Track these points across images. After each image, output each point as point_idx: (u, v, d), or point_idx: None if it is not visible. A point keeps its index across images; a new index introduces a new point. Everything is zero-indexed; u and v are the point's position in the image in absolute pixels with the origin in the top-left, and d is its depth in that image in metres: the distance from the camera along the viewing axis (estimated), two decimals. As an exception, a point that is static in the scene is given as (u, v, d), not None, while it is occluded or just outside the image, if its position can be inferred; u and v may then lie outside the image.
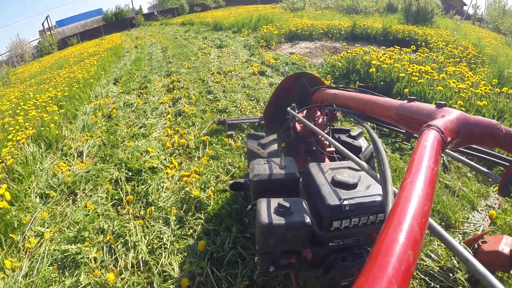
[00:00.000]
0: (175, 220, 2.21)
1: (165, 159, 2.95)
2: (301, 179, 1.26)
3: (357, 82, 4.18)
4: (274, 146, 1.82)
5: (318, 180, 1.09)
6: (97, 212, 2.40)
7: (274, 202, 1.04)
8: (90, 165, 3.08)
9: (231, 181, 2.47)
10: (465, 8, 27.47)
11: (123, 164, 2.85)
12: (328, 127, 1.62)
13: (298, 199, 1.08)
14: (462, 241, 1.86)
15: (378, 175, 0.69)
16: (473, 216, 2.24)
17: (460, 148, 0.70)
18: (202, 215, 2.23)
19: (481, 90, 3.74)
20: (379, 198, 1.00)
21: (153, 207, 2.36)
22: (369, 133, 0.89)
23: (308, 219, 0.98)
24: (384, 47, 5.41)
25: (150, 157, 2.89)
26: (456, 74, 4.43)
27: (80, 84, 5.86)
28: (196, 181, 2.50)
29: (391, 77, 3.95)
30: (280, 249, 1.06)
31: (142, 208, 2.40)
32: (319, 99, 1.52)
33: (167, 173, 2.72)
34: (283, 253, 1.10)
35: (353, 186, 1.05)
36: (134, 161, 2.84)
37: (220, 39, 9.98)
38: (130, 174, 2.73)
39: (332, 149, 1.67)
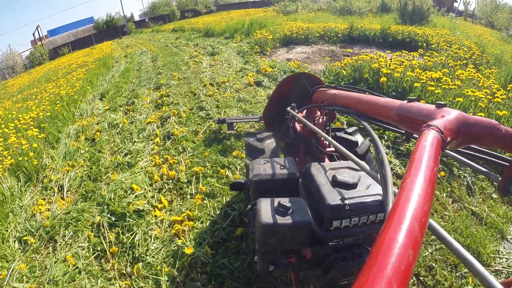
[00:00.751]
0: (167, 281, 1.81)
1: (153, 197, 2.54)
2: (300, 179, 1.25)
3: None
4: (271, 140, 1.81)
5: (318, 180, 1.09)
6: (78, 267, 2.03)
7: (274, 201, 1.04)
8: (70, 204, 2.71)
9: (230, 227, 2.08)
10: (455, 4, 27.49)
11: (105, 206, 2.44)
12: (328, 127, 1.62)
13: (298, 198, 1.08)
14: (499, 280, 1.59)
15: (378, 175, 0.69)
16: (504, 247, 1.99)
17: (460, 148, 0.70)
18: (199, 275, 1.82)
19: (498, 97, 3.38)
20: (379, 198, 0.99)
21: (141, 263, 1.96)
22: (369, 132, 0.88)
23: (308, 219, 0.98)
24: (390, 51, 5.05)
25: (136, 196, 2.48)
26: (469, 79, 4.08)
27: (64, 102, 5.43)
28: (189, 229, 2.09)
29: (403, 86, 3.58)
30: (280, 248, 1.07)
31: (129, 263, 2.01)
32: (319, 99, 1.50)
33: (155, 216, 2.31)
34: (283, 252, 1.11)
35: (353, 186, 1.05)
36: (117, 203, 2.43)
37: (212, 46, 9.59)
38: (113, 219, 2.33)
39: (332, 149, 1.65)
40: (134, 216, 2.30)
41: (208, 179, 2.60)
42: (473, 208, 2.28)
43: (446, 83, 3.50)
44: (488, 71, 5.22)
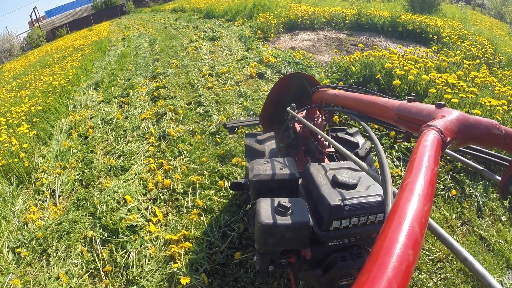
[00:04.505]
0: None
1: (147, 209, 2.38)
2: (300, 179, 1.25)
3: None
4: (271, 141, 1.81)
5: (318, 180, 1.08)
6: (71, 287, 1.93)
7: (274, 202, 1.03)
8: (62, 213, 2.58)
9: (228, 250, 1.92)
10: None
11: (97, 220, 2.30)
12: (328, 127, 1.61)
13: (297, 199, 1.07)
14: None
15: (378, 175, 0.69)
16: (508, 278, 1.92)
17: (460, 148, 0.70)
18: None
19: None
20: (378, 198, 0.99)
21: (135, 286, 1.83)
22: (369, 133, 0.88)
23: (307, 219, 0.97)
24: (401, 46, 4.73)
25: (129, 209, 2.31)
26: (484, 84, 3.82)
27: (57, 94, 5.18)
28: (185, 252, 1.93)
29: (417, 89, 3.33)
30: (280, 248, 1.06)
31: (123, 284, 1.89)
32: (318, 99, 1.48)
33: (150, 232, 2.15)
34: (282, 252, 1.10)
35: (352, 186, 1.05)
36: (109, 216, 2.27)
37: (212, 29, 9.17)
38: (106, 235, 2.19)
39: (332, 149, 1.65)
40: (127, 232, 2.15)
41: (205, 191, 2.43)
42: (481, 232, 2.20)
43: (462, 89, 3.25)
44: (501, 73, 4.95)
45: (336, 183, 1.06)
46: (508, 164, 0.68)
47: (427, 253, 2.01)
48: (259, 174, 1.21)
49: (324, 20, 8.60)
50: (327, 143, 1.66)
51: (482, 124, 0.61)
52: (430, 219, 0.42)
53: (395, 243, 0.31)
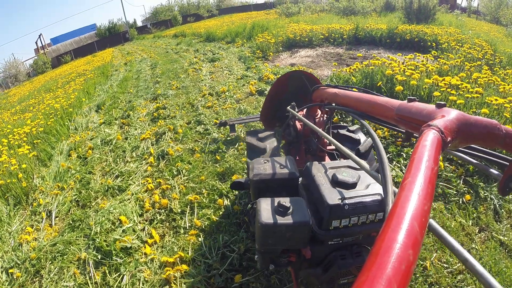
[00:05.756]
0: None
1: (143, 230, 2.26)
2: (300, 178, 1.25)
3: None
4: (272, 140, 1.81)
5: (318, 179, 1.08)
6: None
7: (274, 201, 1.03)
8: (57, 234, 2.49)
9: (227, 273, 1.78)
10: (458, 1, 27.00)
11: (91, 242, 2.19)
12: (328, 126, 1.60)
13: (298, 198, 1.07)
14: None
15: (379, 175, 0.69)
16: None
17: (460, 148, 0.71)
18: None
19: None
20: (378, 197, 0.99)
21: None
22: (369, 132, 0.88)
23: (308, 219, 0.97)
24: (401, 54, 4.71)
25: (123, 230, 2.20)
26: (487, 84, 3.74)
27: (58, 116, 5.22)
28: (182, 275, 1.80)
29: (420, 94, 3.25)
30: (280, 248, 1.05)
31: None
32: (319, 98, 1.48)
33: (145, 254, 2.02)
34: (282, 251, 1.10)
35: (352, 185, 1.04)
36: (103, 237, 2.17)
37: (212, 51, 9.34)
38: (99, 256, 2.07)
39: (332, 147, 1.63)
40: (121, 254, 2.03)
41: (204, 210, 2.31)
42: (501, 237, 2.05)
43: (466, 90, 3.16)
44: (503, 72, 4.88)
45: (336, 182, 1.05)
46: (508, 163, 0.68)
47: (445, 265, 1.86)
48: (259, 173, 1.21)
49: (323, 36, 8.71)
50: (327, 141, 1.65)
51: (482, 124, 0.61)
52: (430, 220, 0.41)
53: (395, 242, 0.31)
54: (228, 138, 3.39)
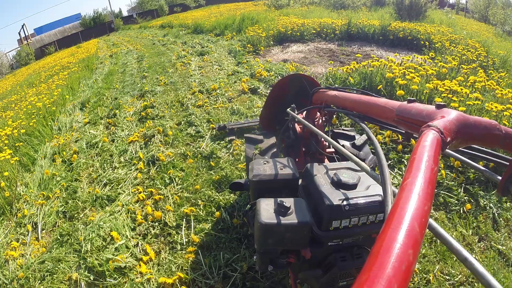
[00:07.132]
0: None
1: (136, 246, 2.11)
2: (300, 180, 1.24)
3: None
4: (271, 137, 1.80)
5: (318, 181, 1.08)
6: None
7: (274, 202, 1.02)
8: (45, 250, 2.31)
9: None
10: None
11: (82, 261, 2.04)
12: (328, 128, 1.63)
13: (297, 199, 1.06)
14: None
15: (378, 175, 0.69)
16: None
17: (460, 148, 0.70)
18: None
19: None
20: (378, 198, 0.99)
21: None
22: (368, 134, 0.89)
23: (307, 219, 0.97)
24: (397, 54, 4.64)
25: (116, 248, 2.04)
26: (484, 88, 3.73)
27: (41, 115, 4.91)
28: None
29: (420, 99, 3.19)
30: (280, 248, 1.06)
31: None
32: (318, 100, 1.49)
33: (141, 273, 1.89)
34: (282, 252, 1.09)
35: (352, 187, 1.04)
36: (95, 256, 2.01)
37: (201, 44, 9.06)
38: (91, 277, 1.92)
39: (332, 149, 1.66)
40: (115, 275, 1.89)
41: (201, 224, 2.18)
42: (499, 247, 2.05)
43: (466, 96, 3.13)
44: (497, 75, 4.90)
45: (336, 183, 1.06)
46: (508, 164, 0.68)
47: (447, 277, 1.83)
48: (259, 174, 1.21)
49: (314, 31, 8.57)
50: (327, 144, 1.68)
51: (481, 124, 0.61)
52: (429, 220, 0.42)
53: (395, 242, 0.30)
54: (222, 142, 3.25)
